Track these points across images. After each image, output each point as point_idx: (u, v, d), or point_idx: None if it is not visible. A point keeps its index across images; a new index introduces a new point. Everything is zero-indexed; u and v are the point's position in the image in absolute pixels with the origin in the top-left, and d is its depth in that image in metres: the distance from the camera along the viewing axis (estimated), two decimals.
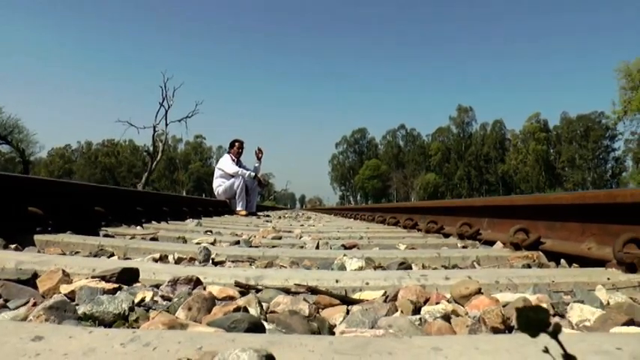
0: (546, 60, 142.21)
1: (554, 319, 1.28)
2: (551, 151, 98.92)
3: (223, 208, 10.09)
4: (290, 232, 4.76)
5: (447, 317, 1.29)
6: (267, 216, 10.79)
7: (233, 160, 10.64)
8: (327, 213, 17.85)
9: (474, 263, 2.57)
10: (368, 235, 4.51)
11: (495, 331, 1.15)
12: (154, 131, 37.15)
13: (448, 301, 1.57)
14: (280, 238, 3.87)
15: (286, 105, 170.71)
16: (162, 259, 2.60)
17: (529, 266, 2.55)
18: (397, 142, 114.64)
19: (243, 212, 10.10)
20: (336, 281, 1.68)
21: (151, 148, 38.13)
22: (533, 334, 0.43)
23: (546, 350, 0.47)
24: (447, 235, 4.24)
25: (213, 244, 3.46)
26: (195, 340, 0.91)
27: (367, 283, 1.68)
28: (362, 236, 4.26)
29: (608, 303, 1.61)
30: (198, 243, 3.44)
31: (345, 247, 3.27)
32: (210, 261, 2.55)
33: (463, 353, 0.83)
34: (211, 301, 1.27)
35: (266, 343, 0.88)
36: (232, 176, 10.42)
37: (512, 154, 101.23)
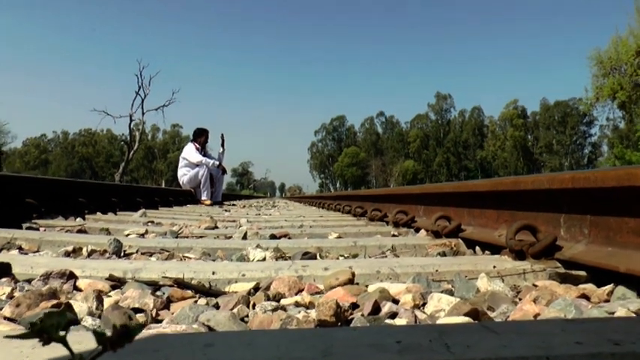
0: (528, 46, 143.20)
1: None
2: (529, 137, 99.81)
3: (187, 197, 10.01)
4: (234, 221, 4.73)
5: (281, 309, 1.28)
6: (233, 205, 10.76)
7: (197, 149, 10.53)
8: (298, 201, 17.85)
9: (387, 252, 2.57)
10: (313, 223, 4.50)
11: (323, 324, 1.14)
12: (131, 120, 36.77)
13: (320, 292, 1.56)
14: (214, 228, 3.84)
15: (265, 93, 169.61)
16: (76, 251, 2.55)
17: (444, 254, 2.56)
18: (376, 130, 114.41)
19: (208, 202, 10.04)
20: (213, 273, 1.66)
21: (128, 138, 37.78)
22: (55, 338, 0.41)
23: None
24: (389, 223, 4.25)
25: (143, 235, 3.42)
26: None
27: (243, 275, 1.66)
28: (302, 225, 4.24)
29: (487, 290, 1.62)
30: (127, 235, 3.41)
31: (275, 237, 3.24)
32: (122, 253, 2.51)
33: (233, 348, 0.81)
34: (49, 297, 1.24)
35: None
36: (197, 165, 10.33)
37: (490, 141, 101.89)
